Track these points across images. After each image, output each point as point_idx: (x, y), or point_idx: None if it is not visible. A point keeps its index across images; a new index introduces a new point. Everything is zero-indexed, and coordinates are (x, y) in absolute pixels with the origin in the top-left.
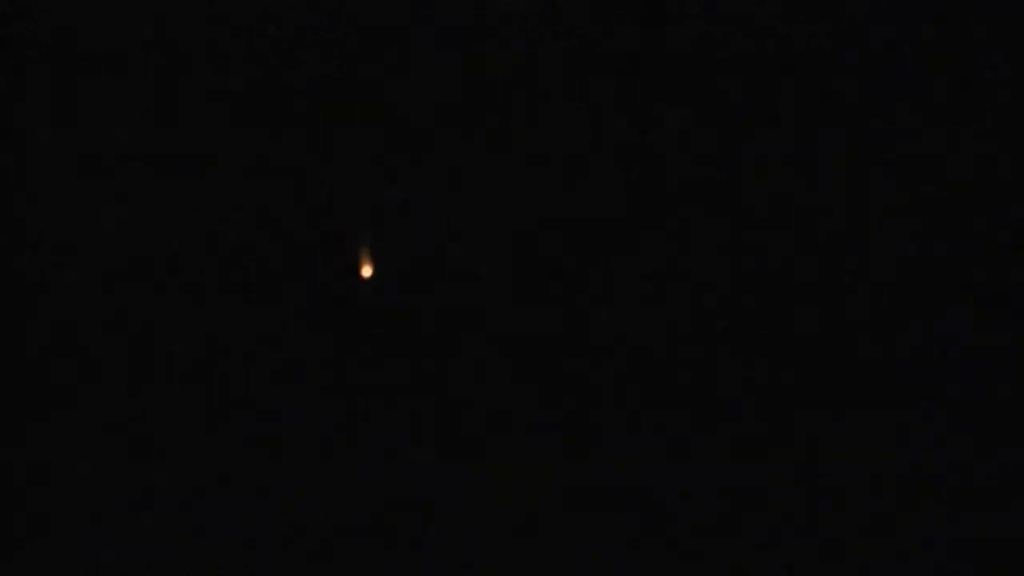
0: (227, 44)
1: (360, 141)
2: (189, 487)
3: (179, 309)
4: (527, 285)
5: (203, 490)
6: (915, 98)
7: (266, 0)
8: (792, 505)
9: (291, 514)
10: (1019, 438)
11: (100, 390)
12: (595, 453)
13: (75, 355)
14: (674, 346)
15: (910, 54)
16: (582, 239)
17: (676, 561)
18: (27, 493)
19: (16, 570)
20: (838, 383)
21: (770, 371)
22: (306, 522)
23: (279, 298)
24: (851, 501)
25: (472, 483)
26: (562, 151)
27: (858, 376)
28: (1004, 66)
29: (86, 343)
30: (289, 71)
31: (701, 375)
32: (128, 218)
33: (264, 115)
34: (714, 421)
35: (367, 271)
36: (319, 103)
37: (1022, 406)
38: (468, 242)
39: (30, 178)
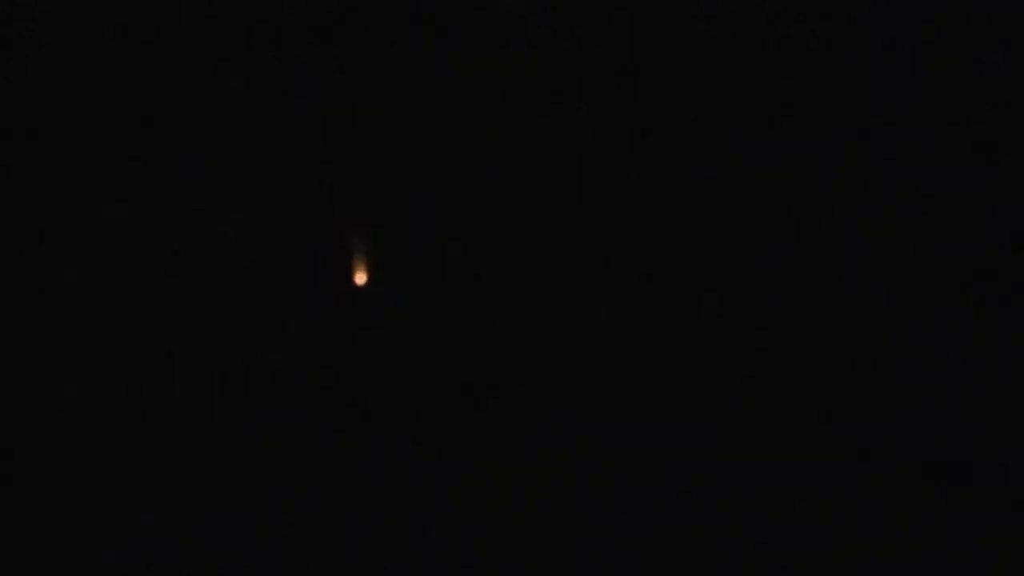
0: (227, 44)
1: (354, 142)
2: (189, 488)
3: (177, 309)
4: (526, 285)
5: (203, 490)
6: (915, 98)
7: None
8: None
9: (291, 514)
10: (1019, 438)
11: (97, 390)
12: (595, 454)
13: (74, 355)
14: (674, 346)
15: (910, 54)
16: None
17: (676, 561)
18: (27, 494)
19: (16, 570)
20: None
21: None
22: (306, 523)
23: (279, 298)
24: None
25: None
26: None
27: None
28: (1004, 66)
29: (84, 343)
30: (289, 71)
31: (701, 375)
32: (128, 218)
33: (264, 115)
34: (714, 421)
35: (361, 278)
36: (316, 103)
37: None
38: (467, 242)
39: (30, 178)
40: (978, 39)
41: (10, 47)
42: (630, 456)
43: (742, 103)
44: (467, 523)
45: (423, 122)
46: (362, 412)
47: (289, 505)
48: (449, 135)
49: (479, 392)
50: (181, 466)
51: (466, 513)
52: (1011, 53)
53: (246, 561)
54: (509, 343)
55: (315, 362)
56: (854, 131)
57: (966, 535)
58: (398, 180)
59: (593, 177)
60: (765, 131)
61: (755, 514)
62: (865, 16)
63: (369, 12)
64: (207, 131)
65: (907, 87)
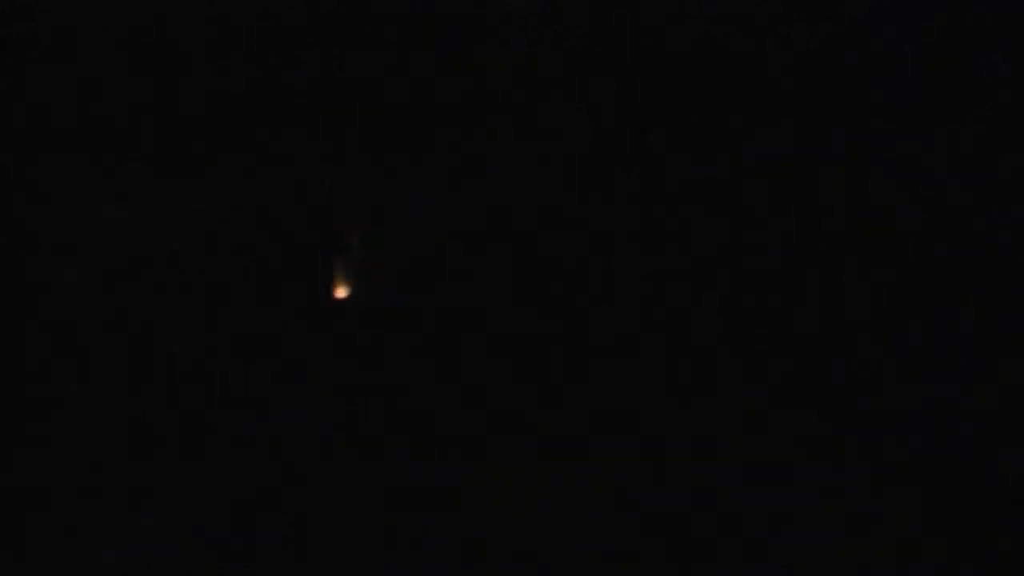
0: (228, 44)
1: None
2: (187, 489)
3: (177, 309)
4: (526, 285)
5: (202, 491)
6: (915, 98)
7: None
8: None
9: (290, 515)
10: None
11: (97, 390)
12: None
13: (74, 355)
14: (673, 346)
15: (910, 54)
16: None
17: (676, 561)
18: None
19: (16, 570)
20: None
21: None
22: (305, 523)
23: (278, 298)
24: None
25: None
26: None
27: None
28: (1004, 66)
29: (83, 343)
30: (288, 70)
31: (700, 375)
32: (128, 218)
33: (264, 115)
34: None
35: (342, 292)
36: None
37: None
38: (466, 242)
39: (30, 178)
40: (978, 39)
41: (10, 47)
42: (629, 456)
43: (742, 103)
44: (466, 523)
45: (423, 122)
46: (362, 412)
47: (289, 506)
48: (449, 135)
49: (479, 392)
50: (180, 466)
51: (465, 514)
52: (1011, 53)
53: (246, 561)
54: (509, 342)
55: (315, 362)
56: (854, 131)
57: (965, 534)
58: (398, 180)
59: (593, 177)
60: (765, 131)
61: (755, 514)
62: (865, 16)
63: (369, 12)
64: (207, 131)
65: (907, 87)
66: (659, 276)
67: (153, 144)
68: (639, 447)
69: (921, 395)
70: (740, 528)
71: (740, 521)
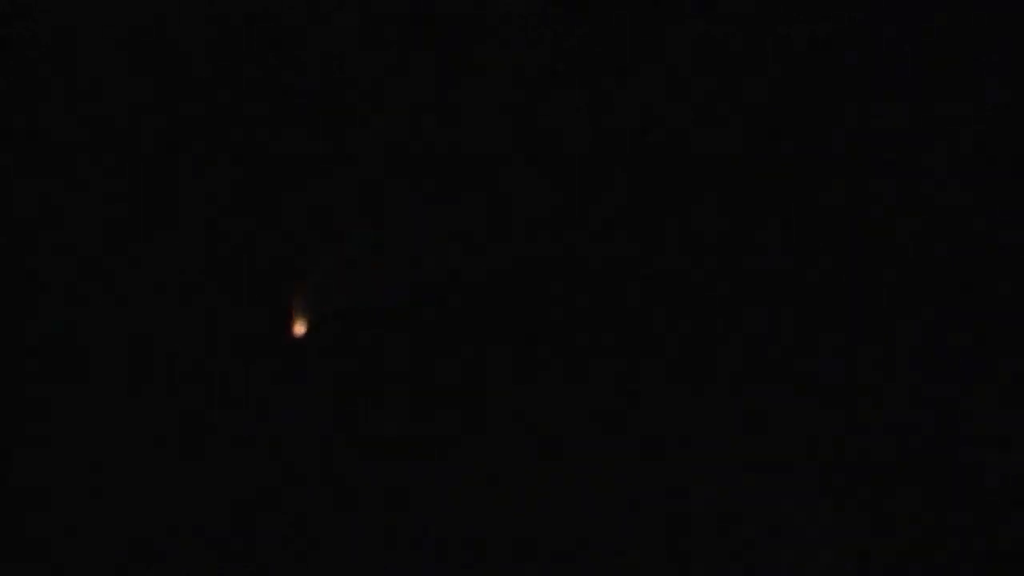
0: (227, 44)
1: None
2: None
3: (178, 309)
4: (527, 284)
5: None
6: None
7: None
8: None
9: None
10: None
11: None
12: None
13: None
14: (673, 346)
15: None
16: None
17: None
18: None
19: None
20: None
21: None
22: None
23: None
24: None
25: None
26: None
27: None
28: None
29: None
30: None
31: (701, 375)
32: (127, 217)
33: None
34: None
35: (300, 328)
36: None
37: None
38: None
39: (30, 178)
40: (978, 39)
41: (10, 47)
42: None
43: (742, 103)
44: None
45: (424, 122)
46: (362, 414)
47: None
48: (449, 136)
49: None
50: (179, 467)
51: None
52: (1011, 53)
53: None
54: (510, 343)
55: (314, 363)
56: (854, 131)
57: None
58: (398, 180)
59: (593, 176)
60: (766, 131)
61: (756, 515)
62: (865, 16)
63: (369, 12)
64: (207, 131)
65: (907, 87)
66: (660, 276)
67: (153, 144)
68: (638, 447)
69: (921, 396)
70: (744, 529)
71: (743, 522)
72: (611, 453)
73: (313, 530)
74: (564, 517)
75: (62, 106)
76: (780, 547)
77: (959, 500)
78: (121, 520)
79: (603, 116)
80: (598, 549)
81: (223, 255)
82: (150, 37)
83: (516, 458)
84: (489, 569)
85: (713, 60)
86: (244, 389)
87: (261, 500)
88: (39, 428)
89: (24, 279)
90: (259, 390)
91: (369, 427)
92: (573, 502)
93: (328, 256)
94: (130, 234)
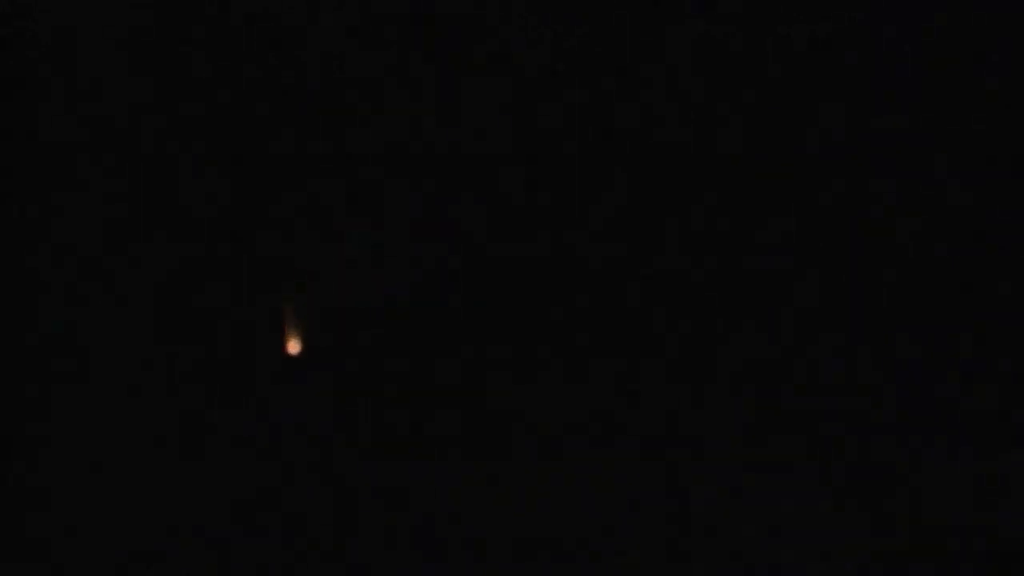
0: (227, 44)
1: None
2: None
3: (177, 309)
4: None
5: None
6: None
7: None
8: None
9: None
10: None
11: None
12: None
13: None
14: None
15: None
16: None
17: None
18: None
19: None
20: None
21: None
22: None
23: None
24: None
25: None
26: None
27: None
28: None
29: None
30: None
31: (700, 376)
32: (127, 217)
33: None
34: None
35: (294, 347)
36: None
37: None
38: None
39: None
40: (978, 39)
41: (10, 47)
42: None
43: (742, 103)
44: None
45: (424, 122)
46: (362, 414)
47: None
48: (448, 136)
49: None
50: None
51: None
52: (1011, 53)
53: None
54: (510, 343)
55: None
56: (854, 131)
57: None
58: (397, 180)
59: (593, 176)
60: (766, 131)
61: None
62: (865, 16)
63: (369, 12)
64: (207, 130)
65: (907, 87)
66: (660, 276)
67: (152, 144)
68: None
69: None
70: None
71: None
72: (611, 453)
73: (313, 530)
74: (564, 517)
75: (62, 106)
76: (780, 547)
77: (959, 500)
78: (121, 520)
79: (603, 116)
80: (598, 549)
81: (223, 255)
82: (150, 37)
83: (516, 458)
84: (489, 569)
85: (713, 60)
86: (244, 389)
87: (261, 500)
88: (39, 428)
89: (24, 279)
90: (259, 390)
91: (369, 427)
92: (573, 502)
93: (328, 256)
94: (130, 234)
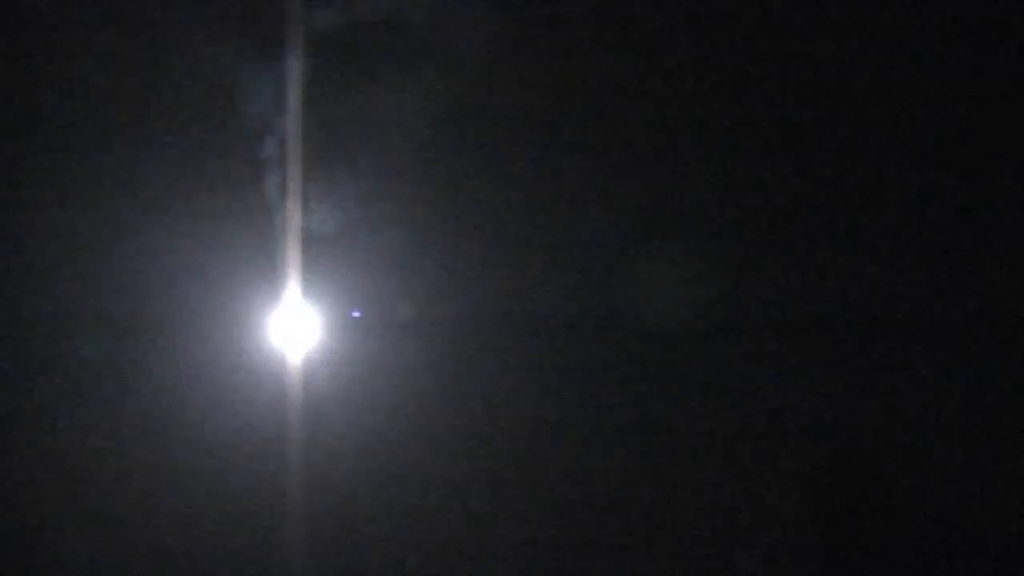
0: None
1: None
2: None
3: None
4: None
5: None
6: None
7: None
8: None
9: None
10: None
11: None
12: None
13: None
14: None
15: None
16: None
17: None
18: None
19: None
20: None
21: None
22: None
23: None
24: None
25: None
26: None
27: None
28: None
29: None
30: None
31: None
32: (127, 217)
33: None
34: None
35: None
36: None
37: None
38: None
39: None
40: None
41: (10, 47)
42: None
43: (742, 103)
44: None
45: (424, 122)
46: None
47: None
48: (449, 135)
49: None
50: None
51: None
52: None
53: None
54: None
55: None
56: (854, 131)
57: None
58: (397, 180)
59: (594, 175)
60: (768, 131)
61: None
62: (866, 16)
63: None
64: (206, 130)
65: (907, 87)
66: (660, 275)
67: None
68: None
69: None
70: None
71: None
72: (611, 453)
73: (316, 530)
74: (564, 517)
75: (61, 104)
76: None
77: (958, 500)
78: (121, 520)
79: (603, 117)
80: (598, 549)
81: (223, 254)
82: (149, 36)
83: (517, 458)
84: (489, 569)
85: (713, 60)
86: (244, 389)
87: (261, 499)
88: (39, 428)
89: (24, 278)
90: (259, 390)
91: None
92: (573, 502)
93: (328, 257)
94: (130, 234)
